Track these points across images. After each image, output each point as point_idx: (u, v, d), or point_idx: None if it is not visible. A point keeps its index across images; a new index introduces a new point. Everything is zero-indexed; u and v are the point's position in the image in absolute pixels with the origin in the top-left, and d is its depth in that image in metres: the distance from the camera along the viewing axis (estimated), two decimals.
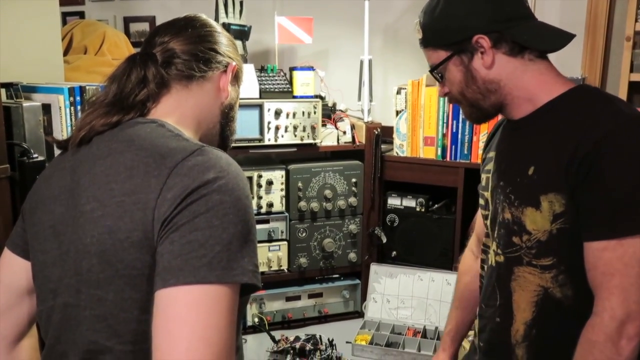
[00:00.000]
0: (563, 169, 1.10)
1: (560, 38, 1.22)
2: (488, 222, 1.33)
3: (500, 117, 1.34)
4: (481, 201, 1.37)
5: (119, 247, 0.88)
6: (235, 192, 0.89)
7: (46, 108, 1.72)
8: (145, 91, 1.03)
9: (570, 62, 2.33)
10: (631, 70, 2.06)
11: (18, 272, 1.07)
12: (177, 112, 1.06)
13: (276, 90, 2.26)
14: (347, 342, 2.20)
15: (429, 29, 1.24)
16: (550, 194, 1.13)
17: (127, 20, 3.20)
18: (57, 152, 1.15)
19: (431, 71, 1.27)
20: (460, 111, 2.21)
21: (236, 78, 1.18)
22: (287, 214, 2.33)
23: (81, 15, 3.25)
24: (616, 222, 1.06)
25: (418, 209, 2.41)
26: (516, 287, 1.23)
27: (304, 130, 2.27)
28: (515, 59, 1.19)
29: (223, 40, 1.14)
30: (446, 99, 1.35)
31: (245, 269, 0.86)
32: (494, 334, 1.30)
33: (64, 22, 3.09)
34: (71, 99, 1.76)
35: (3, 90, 1.68)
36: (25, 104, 1.66)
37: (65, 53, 2.51)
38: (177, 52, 1.07)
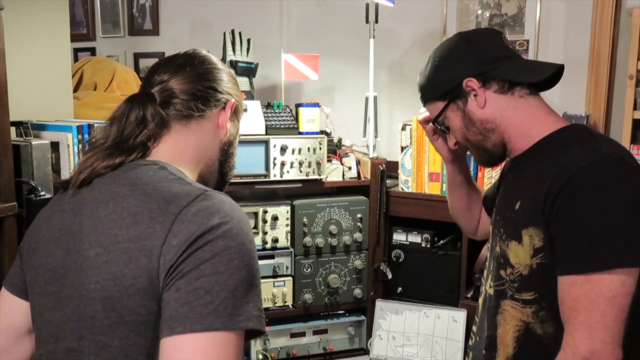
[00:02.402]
0: (540, 204, 1.13)
1: (544, 69, 1.27)
2: (488, 256, 1.37)
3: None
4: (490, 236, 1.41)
5: (124, 294, 0.88)
6: (240, 237, 0.89)
7: (55, 146, 1.75)
8: (146, 132, 1.03)
9: (575, 100, 2.35)
10: (634, 108, 2.07)
11: (17, 313, 1.06)
12: (177, 151, 1.06)
13: (282, 126, 2.28)
14: None
15: (424, 87, 1.34)
16: (530, 228, 1.16)
17: (137, 56, 3.26)
18: None
19: (434, 122, 1.35)
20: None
21: (235, 113, 1.17)
22: (292, 249, 2.33)
23: (92, 51, 3.32)
24: (584, 258, 1.06)
25: (423, 245, 2.40)
26: (501, 321, 1.25)
27: (309, 166, 2.28)
28: (505, 96, 1.25)
29: (222, 76, 1.14)
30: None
31: (251, 315, 0.87)
32: None
33: (76, 58, 3.16)
34: (79, 136, 1.79)
35: (13, 129, 1.71)
36: (35, 142, 1.69)
37: (76, 89, 2.56)
38: (176, 91, 1.07)
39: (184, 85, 1.07)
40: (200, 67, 1.11)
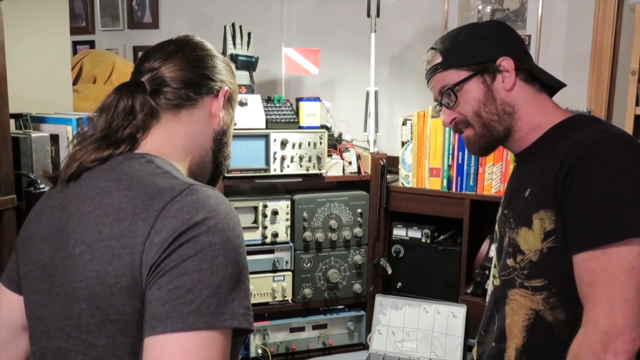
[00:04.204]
0: (552, 185, 1.13)
1: (556, 80, 1.33)
2: (495, 252, 1.37)
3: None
4: (495, 235, 1.41)
5: (108, 293, 0.86)
6: (225, 233, 0.86)
7: (54, 138, 1.74)
8: (135, 122, 1.00)
9: (576, 96, 2.34)
10: (637, 104, 2.06)
11: (15, 308, 1.05)
12: (167, 142, 1.03)
13: (282, 120, 2.27)
14: None
15: (451, 51, 1.30)
16: (541, 211, 1.16)
17: (137, 50, 3.24)
18: None
19: (450, 89, 1.29)
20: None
21: (229, 101, 1.13)
22: (292, 244, 2.32)
23: (91, 44, 3.30)
24: (599, 232, 1.06)
25: (423, 240, 2.40)
26: (509, 311, 1.25)
27: (309, 160, 2.27)
28: (529, 86, 1.29)
29: (215, 63, 1.10)
30: (451, 129, 1.39)
31: (236, 313, 0.84)
32: (490, 359, 1.31)
33: (75, 51, 3.15)
34: (79, 129, 1.78)
35: (12, 121, 1.70)
36: (34, 134, 1.68)
37: (75, 82, 2.55)
38: (167, 80, 1.03)
39: (175, 73, 1.04)
40: (192, 53, 1.07)
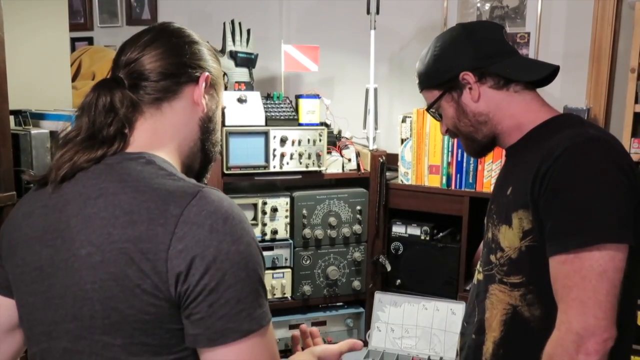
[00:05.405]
0: (530, 185, 1.15)
1: (540, 69, 1.31)
2: (483, 245, 1.39)
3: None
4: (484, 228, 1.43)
5: (129, 294, 0.86)
6: (245, 238, 0.89)
7: (54, 135, 1.73)
8: (118, 118, 0.97)
9: (575, 93, 2.35)
10: (636, 102, 2.06)
11: (0, 311, 1.04)
12: (155, 137, 1.01)
13: (282, 117, 2.27)
14: None
15: (422, 74, 1.37)
16: (520, 211, 1.18)
17: None
18: None
19: (427, 110, 1.39)
20: None
21: (212, 86, 1.09)
22: (291, 241, 2.32)
23: (90, 41, 3.30)
24: (573, 236, 1.07)
25: (423, 237, 2.40)
26: (489, 305, 1.28)
27: (309, 157, 2.28)
28: (500, 91, 1.29)
29: (193, 50, 1.06)
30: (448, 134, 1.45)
31: (267, 308, 0.92)
32: (470, 350, 1.34)
33: (73, 48, 3.14)
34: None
35: (12, 118, 1.69)
36: (34, 131, 1.68)
37: (74, 79, 2.55)
38: (144, 73, 1.00)
39: (152, 64, 1.00)
40: (169, 42, 1.03)
